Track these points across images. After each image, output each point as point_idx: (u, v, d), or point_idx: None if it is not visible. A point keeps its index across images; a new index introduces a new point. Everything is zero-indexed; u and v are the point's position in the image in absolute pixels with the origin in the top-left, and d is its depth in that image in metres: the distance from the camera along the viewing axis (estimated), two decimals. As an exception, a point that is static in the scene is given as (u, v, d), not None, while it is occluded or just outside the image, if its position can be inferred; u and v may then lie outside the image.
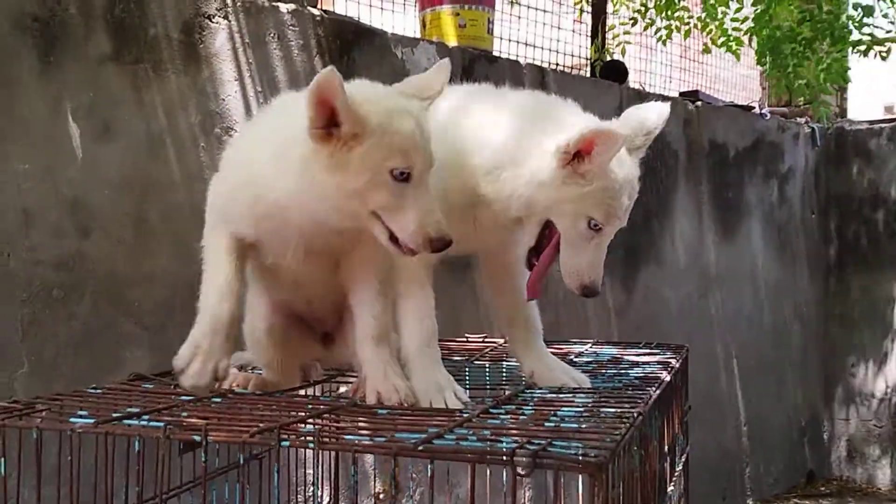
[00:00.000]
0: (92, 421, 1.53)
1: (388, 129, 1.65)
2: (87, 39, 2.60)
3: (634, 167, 1.92)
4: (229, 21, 2.92)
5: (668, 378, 2.16)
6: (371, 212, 1.69)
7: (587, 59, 5.42)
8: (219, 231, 1.89)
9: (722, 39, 5.54)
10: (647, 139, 1.96)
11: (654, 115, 1.98)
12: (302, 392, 2.11)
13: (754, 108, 6.10)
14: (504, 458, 1.33)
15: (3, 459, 1.56)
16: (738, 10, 5.51)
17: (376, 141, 1.64)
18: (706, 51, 5.80)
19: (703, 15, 5.52)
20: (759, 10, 5.25)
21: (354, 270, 1.91)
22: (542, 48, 5.08)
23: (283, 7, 3.09)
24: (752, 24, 5.30)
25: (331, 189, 1.67)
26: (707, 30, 5.61)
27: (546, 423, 1.61)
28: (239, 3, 2.96)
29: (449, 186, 1.87)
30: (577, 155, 1.78)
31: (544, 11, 5.65)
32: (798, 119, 6.37)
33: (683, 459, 2.47)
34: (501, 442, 1.45)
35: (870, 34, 5.49)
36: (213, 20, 2.88)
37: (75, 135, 2.57)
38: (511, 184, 1.85)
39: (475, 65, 3.83)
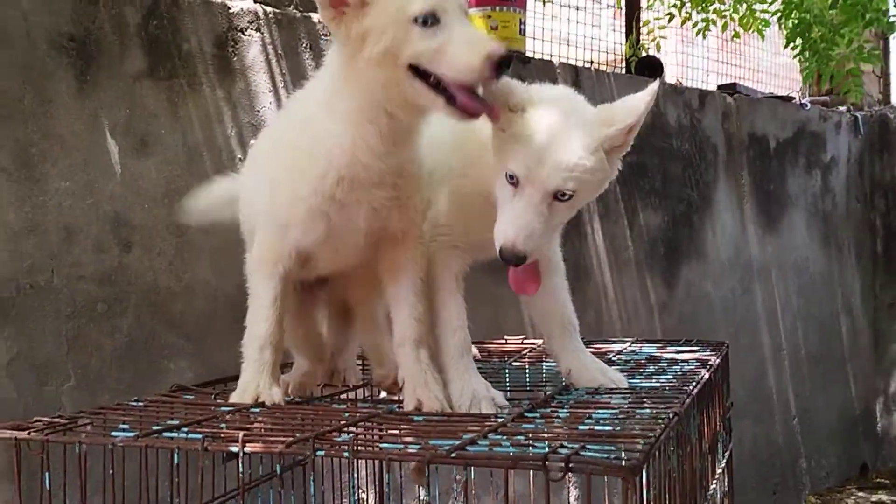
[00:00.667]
0: (133, 434, 1.56)
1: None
2: (123, 57, 2.65)
3: (566, 134, 1.72)
4: (262, 33, 2.96)
5: (706, 376, 2.15)
6: (410, 69, 1.63)
7: (622, 55, 5.40)
8: (268, 259, 1.91)
9: (742, 22, 5.49)
10: (618, 132, 1.76)
11: (639, 97, 1.80)
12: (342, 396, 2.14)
13: (794, 98, 6.03)
14: (536, 463, 1.34)
15: (48, 474, 1.60)
16: None
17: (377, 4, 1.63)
18: (736, 36, 5.72)
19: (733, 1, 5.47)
20: (788, -4, 5.20)
21: (398, 267, 1.92)
22: (577, 46, 5.07)
23: (315, 17, 3.12)
24: (781, 7, 5.24)
25: (363, 66, 1.65)
26: (740, 17, 5.56)
27: (580, 426, 1.61)
28: (271, 15, 2.99)
29: (471, 189, 1.88)
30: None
31: (577, 9, 5.64)
32: (839, 108, 6.28)
33: (727, 457, 2.45)
34: (535, 447, 1.46)
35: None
36: (246, 33, 2.92)
37: (114, 151, 2.61)
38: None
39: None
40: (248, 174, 2.20)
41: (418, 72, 1.64)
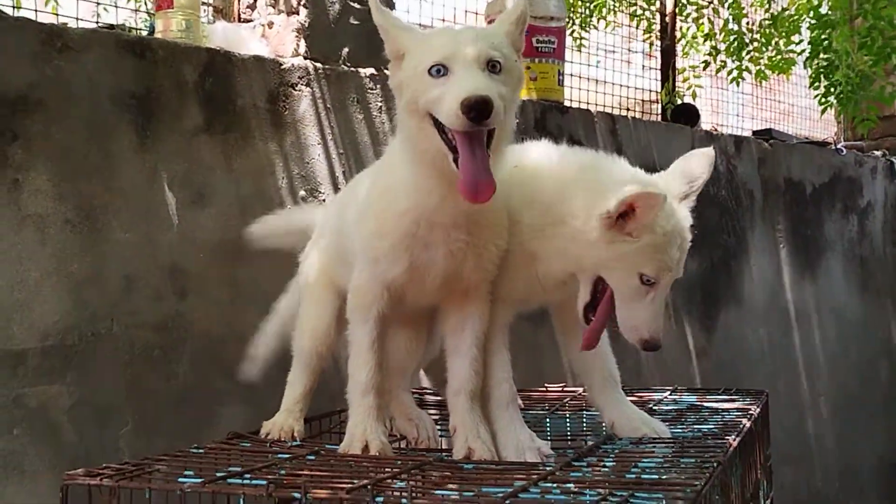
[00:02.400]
0: (199, 480, 1.64)
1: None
2: (180, 113, 2.76)
3: (684, 217, 1.97)
4: (312, 88, 3.06)
5: (747, 425, 2.20)
6: (430, 117, 1.76)
7: (657, 101, 5.48)
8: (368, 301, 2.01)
9: (770, 63, 5.56)
10: (694, 186, 1.99)
11: (697, 163, 2.02)
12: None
13: (829, 143, 6.06)
14: (588, 511, 1.40)
15: (118, 518, 1.68)
16: (792, 34, 5.52)
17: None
18: (762, 78, 5.77)
19: (759, 40, 5.55)
20: (814, 35, 5.26)
21: (463, 317, 2.01)
22: (612, 94, 5.16)
23: (363, 72, 3.22)
24: (809, 48, 5.31)
25: (403, 115, 1.83)
26: (768, 59, 5.63)
27: (627, 475, 1.68)
28: (321, 71, 3.10)
29: (514, 247, 1.97)
30: (623, 214, 1.82)
31: (612, 52, 5.74)
32: (875, 152, 6.31)
33: (768, 504, 2.49)
34: (585, 494, 1.52)
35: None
36: (297, 88, 3.03)
37: (171, 203, 2.72)
38: (558, 241, 1.92)
39: (547, 116, 3.93)
40: (334, 223, 2.31)
41: (437, 122, 1.76)
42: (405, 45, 1.82)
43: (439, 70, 1.73)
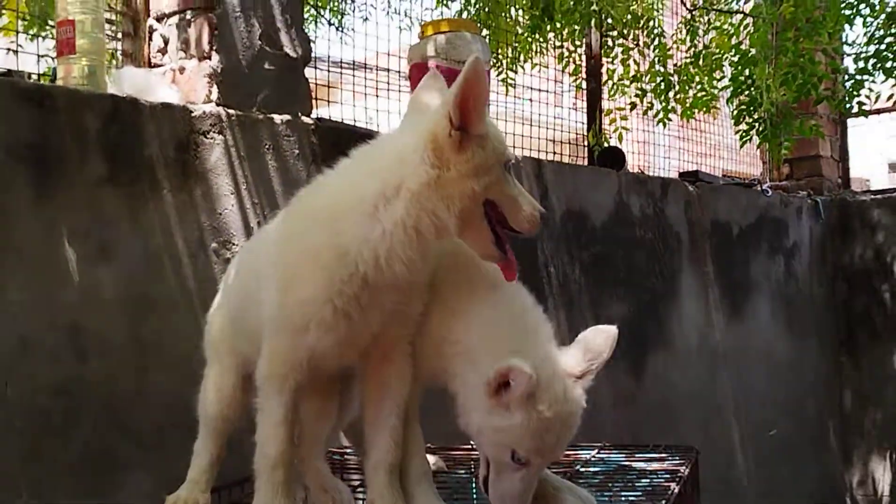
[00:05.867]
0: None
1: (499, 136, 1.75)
2: (82, 163, 2.62)
3: (574, 400, 1.82)
4: (224, 136, 2.94)
5: (676, 489, 2.12)
6: (485, 203, 1.72)
7: (585, 143, 5.46)
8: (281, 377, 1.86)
9: (695, 101, 5.61)
10: (594, 364, 1.86)
11: (602, 340, 1.89)
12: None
13: (755, 184, 6.11)
14: None
15: None
16: (714, 71, 5.58)
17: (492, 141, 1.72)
18: (686, 115, 5.81)
19: (683, 79, 5.59)
20: (736, 72, 5.31)
21: (383, 383, 1.89)
22: (538, 133, 5.13)
23: (278, 118, 3.11)
24: (730, 84, 5.37)
25: (450, 187, 1.68)
26: (694, 97, 5.67)
27: (549, 556, 1.58)
28: (234, 118, 2.98)
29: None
30: (504, 385, 1.72)
31: (539, 91, 5.72)
32: (800, 192, 6.38)
33: (699, 566, 2.41)
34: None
35: (860, 102, 5.56)
36: (208, 136, 2.91)
37: (72, 259, 2.57)
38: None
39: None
40: (236, 286, 2.16)
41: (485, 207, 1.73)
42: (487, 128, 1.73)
43: (509, 169, 1.75)
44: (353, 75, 4.62)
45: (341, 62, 4.76)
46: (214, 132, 2.93)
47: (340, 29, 5.69)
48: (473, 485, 2.35)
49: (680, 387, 4.96)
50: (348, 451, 2.72)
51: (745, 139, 5.45)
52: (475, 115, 1.66)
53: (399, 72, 4.75)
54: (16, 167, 2.49)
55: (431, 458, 2.62)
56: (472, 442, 2.82)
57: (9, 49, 3.07)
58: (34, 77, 3.25)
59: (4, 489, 2.41)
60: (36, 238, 2.51)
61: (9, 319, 2.44)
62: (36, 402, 2.48)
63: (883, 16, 5.18)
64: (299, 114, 3.22)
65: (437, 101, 1.85)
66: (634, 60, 5.59)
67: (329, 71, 4.49)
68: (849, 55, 5.95)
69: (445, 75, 3.79)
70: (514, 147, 4.78)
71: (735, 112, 5.50)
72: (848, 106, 5.73)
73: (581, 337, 1.91)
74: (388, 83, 4.65)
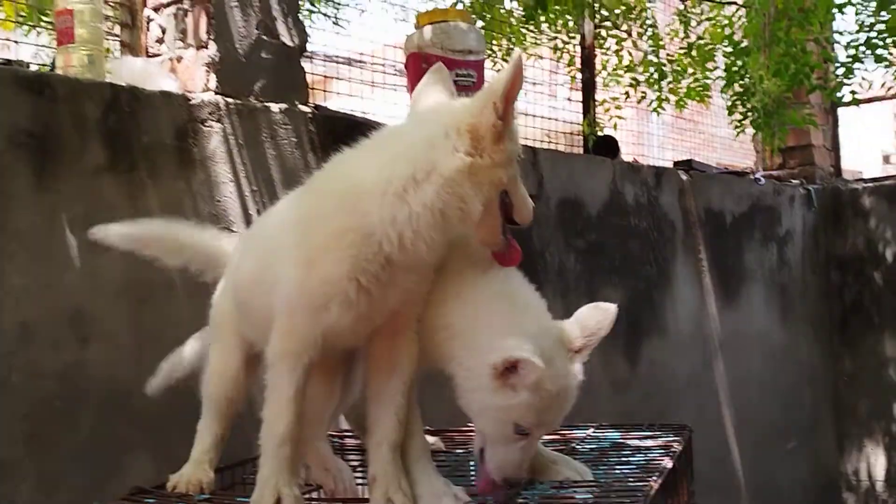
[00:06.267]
0: (91, 546, 1.53)
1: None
2: (82, 151, 2.65)
3: (574, 376, 1.88)
4: (223, 124, 2.97)
5: (670, 464, 2.15)
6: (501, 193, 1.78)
7: (580, 133, 5.50)
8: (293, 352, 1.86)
9: (688, 91, 5.65)
10: (591, 340, 1.90)
11: (600, 317, 1.93)
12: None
13: (748, 173, 6.15)
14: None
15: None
16: (707, 61, 5.62)
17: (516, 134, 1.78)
18: (679, 105, 5.85)
19: (677, 69, 5.63)
20: (729, 62, 5.35)
21: (391, 362, 1.91)
22: (535, 127, 5.16)
23: (275, 107, 3.14)
24: (724, 76, 5.41)
25: (481, 173, 1.73)
26: (687, 88, 5.71)
27: (546, 524, 1.61)
28: (232, 106, 3.01)
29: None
30: (510, 367, 1.76)
31: (533, 83, 5.76)
32: (793, 181, 6.42)
33: (694, 542, 2.45)
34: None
35: (853, 91, 5.61)
36: (206, 124, 2.94)
37: (72, 245, 2.60)
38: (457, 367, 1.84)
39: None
40: (242, 270, 2.17)
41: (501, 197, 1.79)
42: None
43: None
44: (350, 69, 4.65)
45: (336, 57, 4.79)
46: (213, 120, 2.96)
47: (336, 22, 5.73)
48: (472, 464, 2.39)
49: (675, 373, 5.01)
50: (347, 433, 2.75)
51: (739, 129, 5.50)
52: (512, 107, 1.72)
53: (395, 65, 4.78)
54: (17, 154, 2.52)
55: (431, 439, 2.66)
56: (469, 423, 2.86)
57: (7, 39, 3.09)
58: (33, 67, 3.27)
59: (10, 474, 2.44)
60: (37, 224, 2.54)
61: (11, 305, 2.47)
62: (39, 387, 2.51)
63: (874, 3, 5.22)
64: (296, 102, 3.25)
65: (443, 94, 1.89)
66: (628, 51, 5.64)
67: (325, 62, 4.52)
68: (839, 44, 6.01)
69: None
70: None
71: (729, 102, 5.54)
72: (839, 95, 5.78)
73: (578, 313, 1.94)
74: (385, 75, 4.68)
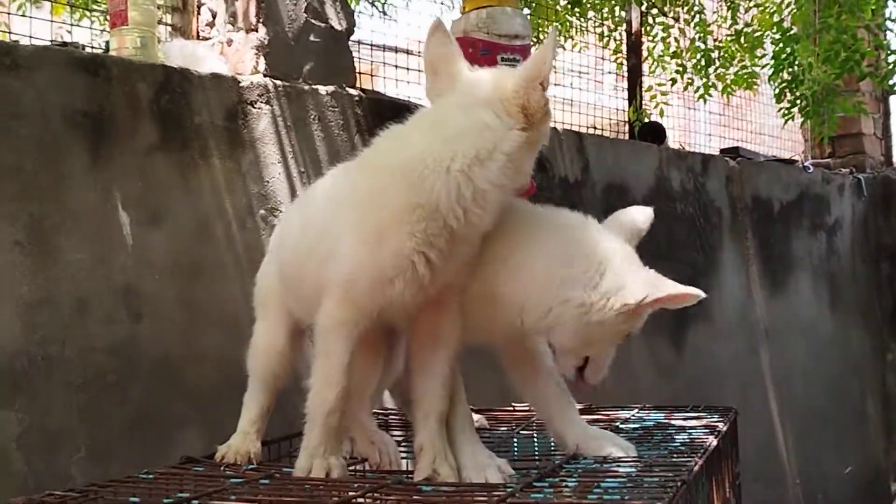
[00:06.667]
0: (144, 508, 1.58)
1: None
2: (135, 131, 2.70)
3: None
4: (271, 106, 3.02)
5: (714, 443, 2.16)
6: None
7: (626, 120, 5.48)
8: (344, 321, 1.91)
9: (735, 78, 5.59)
10: (632, 242, 2.04)
11: (641, 218, 2.09)
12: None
13: (797, 161, 6.09)
14: (545, 534, 1.35)
15: (60, 548, 1.61)
16: (755, 49, 5.55)
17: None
18: (728, 93, 5.79)
19: (724, 56, 5.57)
20: (778, 49, 5.28)
21: (436, 334, 1.94)
22: (581, 113, 5.15)
23: (323, 90, 3.18)
24: (772, 63, 5.34)
25: (528, 148, 1.86)
26: (734, 75, 5.65)
27: (589, 496, 1.63)
28: (280, 89, 3.05)
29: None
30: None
31: (580, 74, 5.75)
32: (842, 170, 6.34)
33: (737, 524, 2.45)
34: (544, 517, 1.47)
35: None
36: (256, 106, 2.98)
37: (126, 223, 2.65)
38: (555, 317, 1.90)
39: (513, 133, 3.89)
40: (290, 245, 2.20)
41: None
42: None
43: None
44: (396, 56, 4.67)
45: (384, 46, 4.81)
46: (262, 102, 3.00)
47: (384, 12, 5.73)
48: (515, 440, 2.41)
49: (720, 360, 4.98)
50: (392, 411, 2.78)
51: (787, 117, 5.43)
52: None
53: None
54: (73, 134, 2.58)
55: (475, 417, 2.68)
56: (513, 403, 2.88)
57: (63, 22, 3.15)
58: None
59: (63, 445, 2.50)
60: (91, 202, 2.60)
61: (67, 280, 2.53)
62: (92, 361, 2.56)
63: (927, -11, 5.13)
64: (344, 85, 3.29)
65: (456, 63, 1.93)
66: (675, 38, 5.59)
67: (372, 50, 4.55)
68: (892, 31, 5.91)
69: (486, 49, 3.85)
70: (554, 122, 4.81)
71: (777, 90, 5.47)
72: (891, 82, 5.70)
73: (614, 217, 2.08)
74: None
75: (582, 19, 5.65)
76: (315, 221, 2.07)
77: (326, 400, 1.88)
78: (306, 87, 3.15)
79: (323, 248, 1.94)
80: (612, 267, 1.90)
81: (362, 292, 1.87)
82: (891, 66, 5.57)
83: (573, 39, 5.64)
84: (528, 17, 5.20)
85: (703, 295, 1.90)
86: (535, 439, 2.46)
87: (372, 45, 4.72)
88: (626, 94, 5.59)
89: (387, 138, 1.97)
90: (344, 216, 1.91)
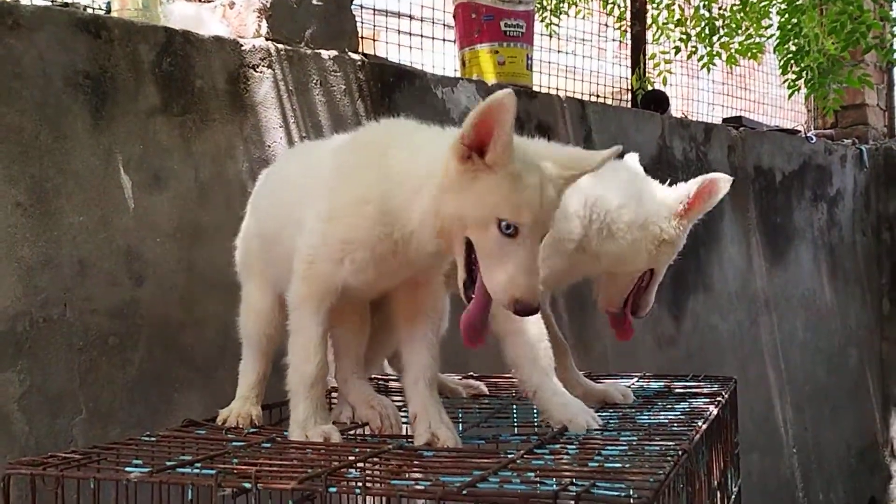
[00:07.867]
0: (147, 470, 1.58)
1: (516, 179, 1.65)
2: (137, 93, 2.68)
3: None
4: (273, 70, 2.99)
5: (714, 412, 2.16)
6: (466, 242, 1.69)
7: (629, 89, 5.45)
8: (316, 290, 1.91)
9: (740, 47, 5.55)
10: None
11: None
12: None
13: (799, 131, 6.06)
14: (547, 500, 1.35)
15: (63, 509, 1.61)
16: (762, 19, 5.50)
17: (497, 183, 1.64)
18: (732, 62, 5.75)
19: (729, 25, 5.52)
20: (783, 20, 5.24)
21: (418, 305, 1.95)
22: (583, 80, 5.12)
23: (325, 54, 3.16)
24: (778, 34, 5.29)
25: (448, 198, 1.68)
26: (739, 45, 5.61)
27: (590, 463, 1.63)
28: (282, 52, 3.03)
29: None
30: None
31: (583, 42, 5.71)
32: (845, 140, 6.32)
33: (736, 492, 2.46)
34: (544, 484, 1.47)
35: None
36: (258, 70, 2.96)
37: (127, 186, 2.64)
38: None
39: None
40: (268, 209, 2.21)
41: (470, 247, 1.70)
42: (504, 164, 1.66)
43: (509, 227, 1.66)
44: (399, 23, 4.63)
45: (387, 11, 4.77)
46: (264, 66, 2.98)
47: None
48: (514, 407, 2.41)
49: (720, 331, 4.99)
50: (392, 376, 2.78)
51: (793, 89, 5.39)
52: (501, 142, 1.63)
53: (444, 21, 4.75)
54: (74, 95, 2.57)
55: (474, 383, 2.69)
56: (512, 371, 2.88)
57: (64, -17, 3.12)
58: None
59: (64, 407, 2.50)
60: (93, 164, 2.59)
61: (68, 242, 2.52)
62: (94, 323, 2.56)
63: (936, -41, 5.09)
64: (346, 50, 3.26)
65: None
66: (679, 6, 5.55)
67: (374, 14, 4.51)
68: (898, 2, 5.87)
69: (490, 14, 3.82)
70: (556, 90, 4.79)
71: (782, 61, 5.43)
72: (896, 55, 5.66)
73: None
74: (434, 27, 4.66)
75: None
76: (290, 193, 2.08)
77: (306, 374, 1.91)
78: (308, 52, 3.13)
79: (295, 218, 1.95)
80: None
81: (321, 269, 1.88)
82: (896, 38, 5.53)
83: (576, 6, 5.59)
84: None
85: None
86: (534, 407, 2.46)
87: (374, 9, 4.68)
88: (629, 62, 5.56)
89: (397, 139, 1.90)
90: (315, 191, 1.93)
